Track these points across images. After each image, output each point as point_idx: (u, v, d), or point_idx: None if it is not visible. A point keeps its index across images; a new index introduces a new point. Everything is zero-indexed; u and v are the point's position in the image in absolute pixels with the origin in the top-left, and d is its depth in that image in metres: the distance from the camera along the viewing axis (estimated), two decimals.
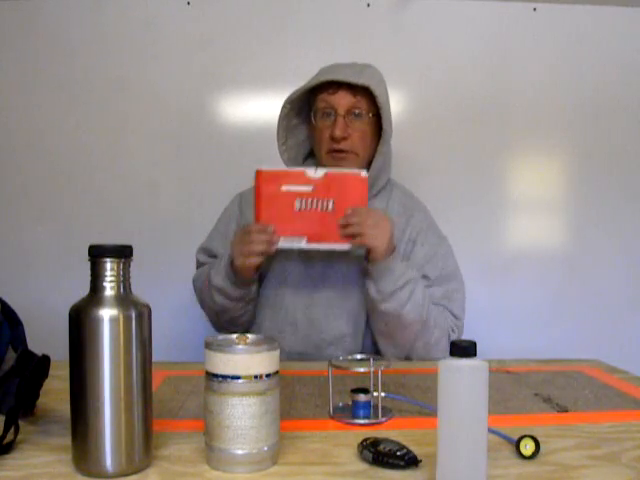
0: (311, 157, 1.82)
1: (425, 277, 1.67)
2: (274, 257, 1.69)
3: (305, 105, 1.76)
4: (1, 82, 2.29)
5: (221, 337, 0.96)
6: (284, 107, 1.72)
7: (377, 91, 1.63)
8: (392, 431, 1.02)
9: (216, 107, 2.36)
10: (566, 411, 1.18)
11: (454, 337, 1.65)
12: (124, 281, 0.90)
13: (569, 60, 2.41)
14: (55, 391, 1.16)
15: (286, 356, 1.61)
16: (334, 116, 1.66)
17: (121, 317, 0.87)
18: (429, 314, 1.59)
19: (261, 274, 1.73)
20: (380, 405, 1.11)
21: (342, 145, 1.65)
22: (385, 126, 1.66)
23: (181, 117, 2.33)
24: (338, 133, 1.64)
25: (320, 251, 1.61)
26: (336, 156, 1.67)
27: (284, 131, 1.75)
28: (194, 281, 1.80)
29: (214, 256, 1.78)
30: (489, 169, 2.42)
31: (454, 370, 0.81)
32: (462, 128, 2.38)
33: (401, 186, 1.83)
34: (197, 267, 1.84)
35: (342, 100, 1.65)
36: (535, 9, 2.38)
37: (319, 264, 1.70)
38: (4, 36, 2.29)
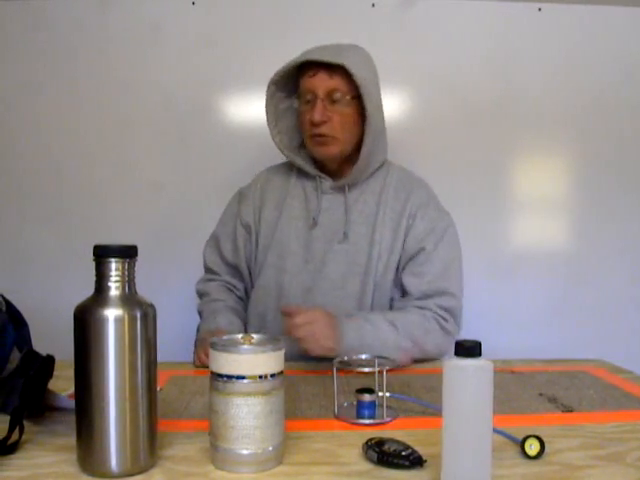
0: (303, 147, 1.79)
1: (422, 249, 1.65)
2: (270, 248, 1.72)
3: (294, 88, 1.73)
4: (6, 82, 2.30)
5: (226, 337, 0.96)
6: (269, 88, 1.69)
7: (354, 69, 1.58)
8: (397, 431, 1.02)
9: (221, 106, 2.36)
10: (571, 411, 1.18)
11: (450, 322, 1.62)
12: (129, 281, 0.90)
13: (574, 60, 2.40)
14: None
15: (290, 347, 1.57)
16: (314, 100, 1.63)
17: (126, 317, 0.87)
18: (410, 337, 1.55)
19: (260, 263, 1.74)
20: (385, 405, 1.12)
21: (322, 129, 1.63)
22: (368, 107, 1.61)
23: (185, 117, 2.33)
24: (317, 117, 1.61)
25: (319, 238, 1.67)
26: (317, 141, 1.65)
27: (273, 114, 1.73)
28: (199, 291, 1.84)
29: (225, 259, 1.81)
30: (493, 169, 2.41)
31: (459, 370, 0.81)
32: (466, 128, 2.38)
33: (399, 166, 1.81)
34: (205, 268, 1.86)
35: (321, 82, 1.62)
36: (540, 9, 2.37)
37: (319, 250, 1.69)
38: (9, 37, 2.29)
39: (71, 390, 1.08)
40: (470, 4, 2.35)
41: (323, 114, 1.61)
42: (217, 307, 1.72)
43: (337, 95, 1.62)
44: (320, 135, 1.64)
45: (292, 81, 1.70)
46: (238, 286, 1.82)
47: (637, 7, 2.39)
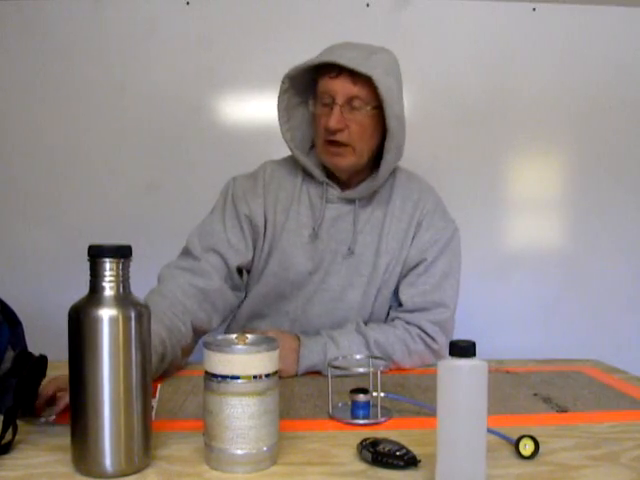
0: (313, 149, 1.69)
1: (424, 260, 1.61)
2: (272, 255, 1.62)
3: (308, 84, 1.61)
4: (2, 82, 2.29)
5: (220, 337, 0.96)
6: (283, 82, 1.58)
7: (380, 82, 1.47)
8: (391, 431, 1.02)
9: (215, 107, 2.36)
10: (565, 411, 1.18)
11: (438, 339, 1.57)
12: (123, 281, 0.90)
13: (568, 60, 2.41)
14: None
15: None
16: (332, 104, 1.51)
17: (120, 317, 0.87)
18: (385, 355, 1.52)
19: (260, 270, 1.65)
20: (379, 405, 1.11)
21: (337, 137, 1.52)
22: (390, 121, 1.51)
23: (181, 117, 2.33)
24: (332, 124, 1.50)
25: (325, 249, 1.60)
26: (331, 150, 1.55)
27: (285, 110, 1.62)
28: (160, 276, 1.60)
29: (215, 248, 1.59)
30: (488, 169, 2.42)
31: (454, 370, 0.81)
32: (461, 128, 2.38)
33: (405, 170, 1.72)
34: (183, 252, 1.65)
35: (341, 87, 1.50)
36: (534, 9, 2.38)
37: (324, 261, 1.62)
38: (5, 37, 2.28)
39: (53, 416, 1.09)
40: (464, 4, 2.35)
41: (340, 121, 1.51)
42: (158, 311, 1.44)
43: (357, 103, 1.51)
44: (334, 143, 1.54)
45: (307, 78, 1.59)
46: (215, 285, 1.58)
47: (631, 7, 2.39)
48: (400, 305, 1.62)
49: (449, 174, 2.37)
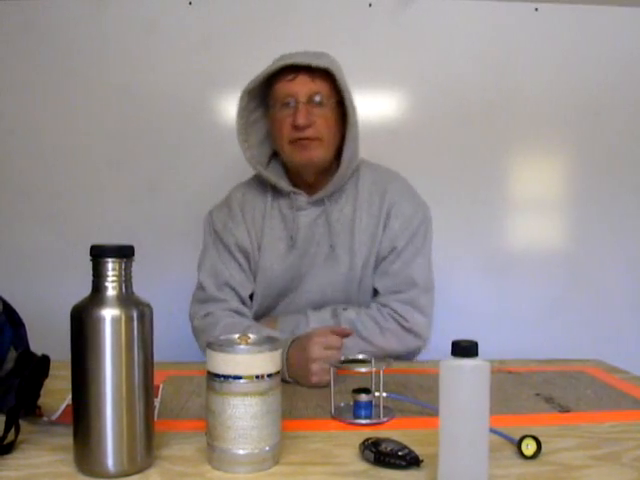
0: (275, 158, 1.73)
1: (394, 248, 1.63)
2: (257, 275, 1.67)
3: (263, 99, 1.66)
4: (1, 83, 2.29)
5: (223, 337, 0.96)
6: (242, 98, 1.63)
7: (338, 74, 1.56)
8: (393, 431, 1.02)
9: (216, 106, 2.36)
10: (567, 411, 1.18)
11: (411, 318, 1.58)
12: (126, 281, 0.90)
13: (570, 60, 2.41)
14: (57, 391, 1.16)
15: None
16: (294, 104, 1.56)
17: (123, 317, 0.87)
18: (361, 337, 1.55)
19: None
20: (381, 405, 1.12)
21: (306, 133, 1.56)
22: (350, 111, 1.58)
23: (182, 117, 2.33)
24: (301, 121, 1.54)
25: (302, 255, 1.65)
26: (301, 144, 1.58)
27: (244, 127, 1.66)
28: (195, 327, 1.64)
29: (227, 284, 1.65)
30: (490, 169, 2.42)
31: (456, 370, 0.81)
32: (463, 128, 2.38)
33: (369, 163, 1.75)
34: (203, 300, 1.66)
35: (302, 86, 1.57)
36: (537, 9, 2.38)
37: (302, 267, 1.66)
38: (5, 37, 2.29)
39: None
40: (466, 4, 2.35)
41: (307, 117, 1.55)
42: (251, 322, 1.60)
43: (319, 98, 1.57)
44: (305, 138, 1.57)
45: (262, 89, 1.64)
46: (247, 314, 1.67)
47: (634, 7, 2.39)
48: (377, 294, 1.66)
49: (451, 173, 2.37)
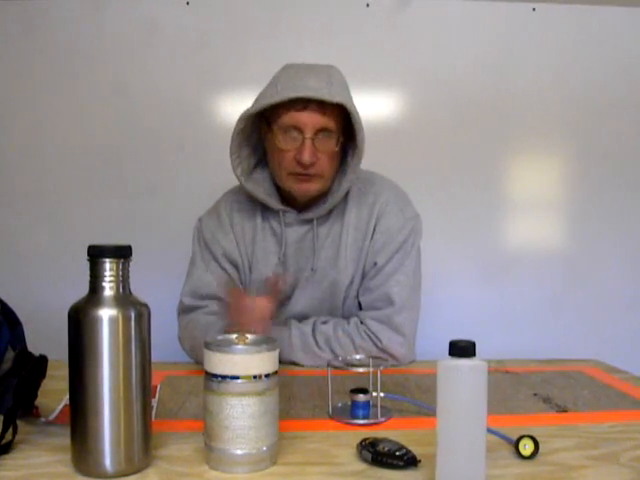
0: (260, 165, 1.68)
1: (375, 264, 1.61)
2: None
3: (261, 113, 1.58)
4: (2, 83, 2.29)
5: (220, 337, 0.96)
6: (239, 122, 1.55)
7: (351, 108, 1.49)
8: (391, 431, 1.02)
9: (215, 107, 2.36)
10: (565, 411, 1.18)
11: (385, 339, 1.55)
12: (123, 281, 0.90)
13: (568, 60, 2.41)
14: (54, 391, 1.16)
15: None
16: (301, 137, 1.50)
17: (120, 317, 0.87)
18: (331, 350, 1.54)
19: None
20: (379, 405, 1.11)
21: (310, 170, 1.52)
22: (361, 144, 1.53)
23: (180, 117, 2.33)
24: (307, 159, 1.49)
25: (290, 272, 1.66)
26: (300, 179, 1.54)
27: (237, 147, 1.59)
28: (179, 337, 1.66)
29: (210, 295, 1.64)
30: (488, 169, 2.42)
31: (453, 370, 0.81)
32: (461, 128, 2.38)
33: (361, 172, 1.63)
34: (183, 311, 1.67)
35: (310, 120, 1.48)
36: (534, 9, 2.38)
37: (289, 284, 1.65)
38: (5, 37, 2.28)
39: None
40: (464, 4, 2.35)
41: (313, 155, 1.50)
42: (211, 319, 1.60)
43: (326, 133, 1.51)
44: (306, 174, 1.54)
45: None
46: None
47: (631, 7, 2.39)
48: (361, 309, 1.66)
49: (450, 174, 2.37)
